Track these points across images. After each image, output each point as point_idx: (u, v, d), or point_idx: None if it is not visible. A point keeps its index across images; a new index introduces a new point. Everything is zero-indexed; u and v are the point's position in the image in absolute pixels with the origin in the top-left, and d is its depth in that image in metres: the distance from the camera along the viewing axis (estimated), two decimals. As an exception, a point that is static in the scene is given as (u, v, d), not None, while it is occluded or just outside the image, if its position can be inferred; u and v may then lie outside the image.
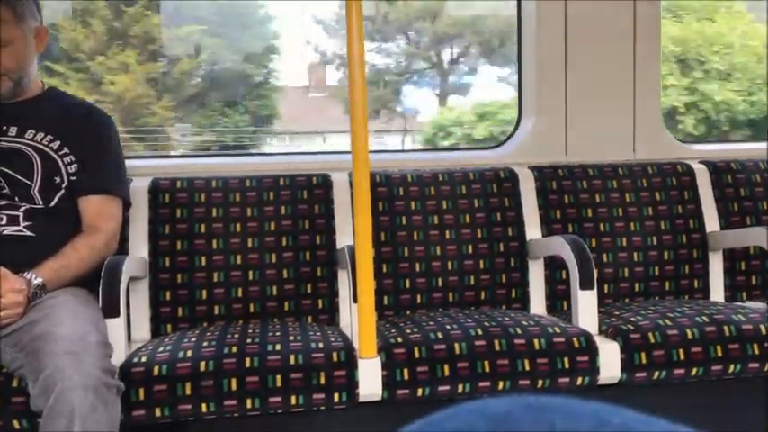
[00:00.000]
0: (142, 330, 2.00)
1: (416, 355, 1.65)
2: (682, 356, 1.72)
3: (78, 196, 1.81)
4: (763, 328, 1.77)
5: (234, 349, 1.62)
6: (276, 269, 2.07)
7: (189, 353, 1.61)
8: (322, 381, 1.60)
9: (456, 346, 1.67)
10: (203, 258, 2.05)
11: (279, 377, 1.58)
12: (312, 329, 1.80)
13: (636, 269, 2.22)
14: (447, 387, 1.65)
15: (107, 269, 1.68)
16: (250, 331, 1.76)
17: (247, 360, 1.59)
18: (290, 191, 2.14)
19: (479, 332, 1.71)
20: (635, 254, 2.23)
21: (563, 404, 0.35)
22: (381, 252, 2.09)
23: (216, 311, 2.03)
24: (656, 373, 1.72)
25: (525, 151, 2.41)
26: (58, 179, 1.79)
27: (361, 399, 1.63)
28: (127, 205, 1.96)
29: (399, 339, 1.70)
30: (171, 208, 2.08)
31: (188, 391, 1.55)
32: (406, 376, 1.64)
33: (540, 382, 1.68)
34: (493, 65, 11.52)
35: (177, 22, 9.88)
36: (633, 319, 1.81)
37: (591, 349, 1.71)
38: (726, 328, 1.76)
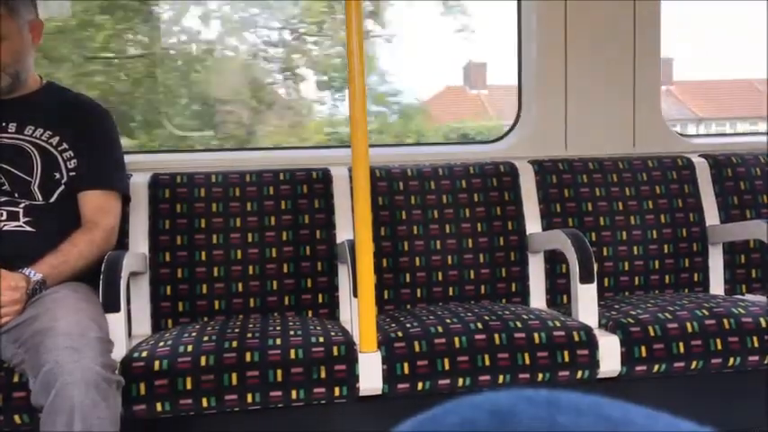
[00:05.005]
0: (143, 325, 2.00)
1: (417, 349, 1.66)
2: (681, 350, 1.72)
3: (78, 191, 1.81)
4: (762, 321, 1.77)
5: (234, 344, 1.62)
6: (276, 264, 2.07)
7: (189, 348, 1.61)
8: (322, 375, 1.60)
9: (456, 340, 1.67)
10: (203, 253, 2.05)
11: (279, 371, 1.58)
12: (312, 324, 1.81)
13: (636, 263, 2.22)
14: (447, 381, 1.65)
15: (107, 264, 1.68)
16: (250, 326, 1.77)
17: (248, 354, 1.59)
18: (290, 186, 2.14)
19: (479, 326, 1.71)
20: (635, 247, 2.23)
21: (564, 398, 0.35)
22: (381, 246, 2.09)
23: (216, 306, 2.03)
24: (656, 367, 1.73)
25: (525, 145, 2.41)
26: (57, 175, 1.79)
27: (362, 393, 1.64)
28: (126, 200, 1.96)
29: (399, 333, 1.70)
30: (171, 203, 2.08)
31: (189, 386, 1.55)
32: (406, 370, 1.64)
33: (540, 376, 1.69)
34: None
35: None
36: (633, 312, 1.81)
37: (591, 343, 1.71)
38: (725, 321, 1.76)
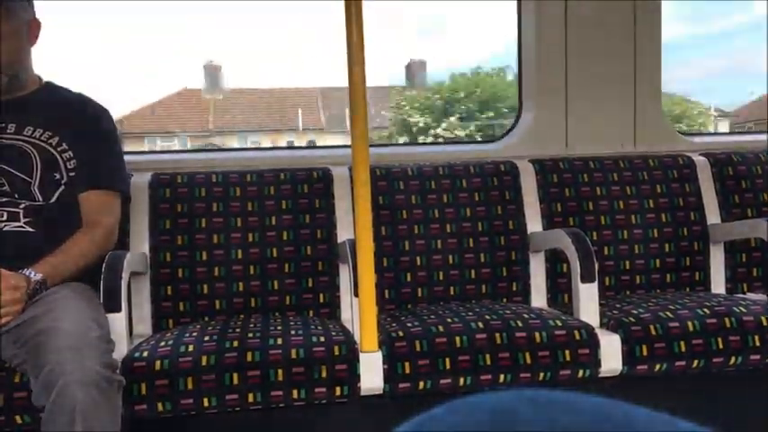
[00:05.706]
0: (143, 325, 2.00)
1: (417, 348, 1.66)
2: (683, 349, 1.72)
3: (78, 191, 1.81)
4: (763, 319, 1.77)
5: (235, 344, 1.62)
6: (277, 263, 2.07)
7: (190, 347, 1.61)
8: (323, 375, 1.60)
9: (457, 339, 1.67)
10: (204, 253, 2.05)
11: (280, 371, 1.58)
12: (313, 323, 1.81)
13: (637, 262, 2.22)
14: (448, 380, 1.65)
15: (108, 264, 1.68)
16: (251, 326, 1.77)
17: (249, 354, 1.59)
18: (291, 185, 2.14)
19: (480, 325, 1.71)
20: (636, 246, 2.23)
21: (565, 399, 0.35)
22: (382, 246, 2.09)
23: (217, 306, 2.03)
24: (658, 366, 1.72)
25: (526, 144, 2.41)
26: (57, 175, 1.78)
27: (363, 392, 1.63)
28: (126, 200, 1.96)
29: (400, 333, 1.70)
30: (171, 203, 2.08)
31: (189, 386, 1.55)
32: (407, 370, 1.64)
33: (542, 375, 1.69)
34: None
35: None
36: (634, 311, 1.81)
37: (592, 342, 1.71)
38: (727, 320, 1.76)
